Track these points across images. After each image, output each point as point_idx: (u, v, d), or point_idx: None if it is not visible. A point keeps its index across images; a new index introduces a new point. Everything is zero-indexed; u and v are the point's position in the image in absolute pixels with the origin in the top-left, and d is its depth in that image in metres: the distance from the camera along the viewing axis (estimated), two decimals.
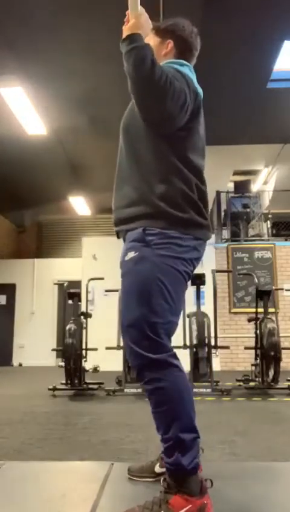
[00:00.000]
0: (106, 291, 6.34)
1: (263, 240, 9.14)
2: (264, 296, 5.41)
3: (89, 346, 5.36)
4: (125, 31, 1.41)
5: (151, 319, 1.36)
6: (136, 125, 1.48)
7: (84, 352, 5.21)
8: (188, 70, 1.56)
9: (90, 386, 5.15)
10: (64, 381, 5.01)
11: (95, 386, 5.16)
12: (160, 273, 1.39)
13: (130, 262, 1.43)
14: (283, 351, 5.02)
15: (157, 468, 1.66)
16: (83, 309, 5.62)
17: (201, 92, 1.61)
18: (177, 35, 1.64)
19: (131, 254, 1.43)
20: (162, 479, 1.37)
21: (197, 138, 1.52)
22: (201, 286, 5.47)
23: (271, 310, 5.67)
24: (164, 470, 1.63)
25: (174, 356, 1.39)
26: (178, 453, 1.31)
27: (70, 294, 5.38)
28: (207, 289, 5.78)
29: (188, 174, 1.46)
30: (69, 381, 4.97)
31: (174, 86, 1.32)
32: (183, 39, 1.64)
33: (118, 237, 1.59)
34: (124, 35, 1.40)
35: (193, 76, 1.57)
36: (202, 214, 1.49)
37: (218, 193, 9.44)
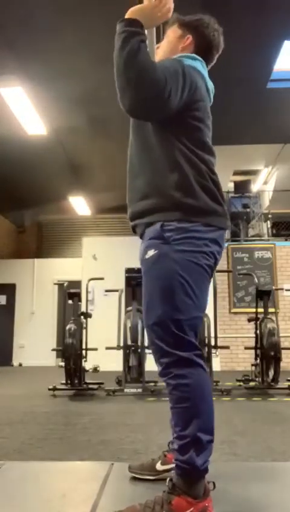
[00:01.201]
0: (106, 291, 6.35)
1: (263, 240, 9.14)
2: (264, 296, 5.41)
3: (89, 346, 5.36)
4: (127, 14, 1.38)
5: (175, 316, 1.35)
6: (142, 122, 1.48)
7: (84, 352, 5.21)
8: (200, 64, 1.54)
9: (90, 386, 5.16)
10: (64, 381, 5.01)
11: (95, 386, 5.16)
12: (181, 269, 1.37)
13: (150, 261, 1.42)
14: (283, 351, 5.02)
15: (159, 466, 1.66)
16: (83, 309, 5.62)
17: (211, 87, 1.59)
18: (199, 31, 1.61)
19: (151, 252, 1.41)
20: (168, 479, 1.35)
21: (200, 132, 1.48)
22: None
23: (271, 310, 5.67)
24: (166, 467, 1.63)
25: (200, 356, 1.38)
26: (193, 452, 1.30)
27: (70, 294, 5.38)
28: None
29: (199, 162, 1.44)
30: (69, 381, 4.97)
31: (155, 73, 1.29)
32: (204, 36, 1.62)
33: (135, 232, 1.57)
34: (126, 15, 1.38)
35: (204, 72, 1.54)
36: (217, 200, 1.46)
37: None
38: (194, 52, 1.59)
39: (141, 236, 1.52)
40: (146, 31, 1.38)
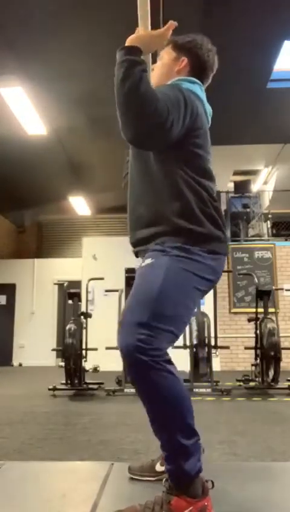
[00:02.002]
0: (106, 291, 6.35)
1: (263, 239, 9.14)
2: (264, 296, 5.41)
3: (89, 346, 5.36)
4: (127, 41, 1.39)
5: (152, 323, 1.32)
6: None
7: (84, 352, 5.21)
8: (198, 88, 1.54)
9: (90, 386, 5.16)
10: (64, 381, 5.01)
11: (95, 386, 5.16)
12: (172, 282, 1.36)
13: (144, 267, 1.42)
14: (283, 351, 5.02)
15: (158, 467, 1.66)
16: (83, 309, 5.62)
17: (209, 110, 1.59)
18: (193, 53, 1.61)
19: (148, 261, 1.42)
20: (164, 479, 1.36)
21: (200, 158, 1.48)
22: None
23: (271, 310, 5.67)
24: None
25: (168, 361, 1.33)
26: (180, 460, 1.29)
27: (70, 294, 5.38)
28: None
29: (200, 189, 1.45)
30: (69, 381, 4.97)
31: (157, 105, 1.28)
32: (199, 58, 1.61)
33: (137, 257, 1.57)
34: (125, 44, 1.38)
35: (202, 95, 1.54)
36: (219, 226, 1.47)
37: (218, 193, 9.40)
38: (189, 74, 1.59)
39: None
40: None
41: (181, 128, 1.37)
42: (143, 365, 1.28)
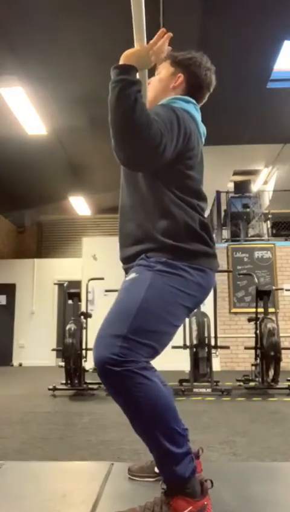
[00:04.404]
0: (106, 291, 6.34)
1: (263, 240, 9.14)
2: (264, 296, 5.41)
3: (89, 346, 5.35)
4: (122, 58, 1.36)
5: (129, 335, 1.28)
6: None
7: (84, 352, 5.21)
8: (193, 107, 1.52)
9: (90, 386, 5.15)
10: (64, 381, 5.01)
11: (95, 386, 5.16)
12: (154, 296, 1.34)
13: (128, 281, 1.41)
14: (283, 351, 5.02)
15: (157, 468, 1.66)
16: (83, 309, 5.62)
17: (203, 130, 1.58)
18: (191, 70, 1.59)
19: (132, 275, 1.41)
20: (161, 480, 1.36)
21: (191, 179, 1.48)
22: None
23: (271, 310, 5.67)
24: None
25: (145, 368, 1.29)
26: (171, 466, 1.29)
27: (70, 294, 5.38)
28: None
29: (189, 209, 1.45)
30: (69, 381, 4.97)
31: (151, 128, 1.27)
32: (196, 76, 1.59)
33: (126, 273, 1.54)
34: (119, 62, 1.36)
35: (197, 115, 1.53)
36: (207, 244, 1.46)
37: (218, 193, 9.44)
38: (185, 91, 1.58)
39: None
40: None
41: (174, 150, 1.36)
42: (116, 376, 1.25)
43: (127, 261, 1.52)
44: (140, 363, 1.27)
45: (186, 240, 1.42)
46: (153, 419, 1.28)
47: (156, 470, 1.65)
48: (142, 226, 1.46)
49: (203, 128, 1.59)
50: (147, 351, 1.30)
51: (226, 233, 9.57)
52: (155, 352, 1.34)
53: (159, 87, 1.61)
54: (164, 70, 1.63)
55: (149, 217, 1.45)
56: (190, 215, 1.44)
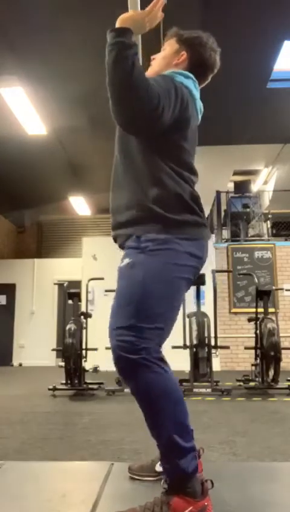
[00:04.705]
0: (106, 291, 6.33)
1: (263, 240, 9.14)
2: (264, 296, 5.41)
3: (89, 346, 5.36)
4: (118, 22, 1.38)
5: (137, 324, 1.33)
6: (127, 137, 1.49)
7: (84, 352, 5.21)
8: (192, 83, 1.53)
9: (90, 386, 5.15)
10: (64, 381, 5.01)
11: (95, 386, 5.16)
12: (151, 279, 1.37)
13: (124, 268, 1.43)
14: (283, 351, 5.02)
15: (158, 467, 1.66)
16: (83, 309, 5.62)
17: (200, 106, 1.59)
18: (195, 49, 1.60)
19: (126, 260, 1.44)
20: (162, 480, 1.36)
21: (184, 151, 1.49)
22: (201, 286, 5.47)
23: (271, 310, 5.67)
24: None
25: (160, 359, 1.35)
26: (175, 458, 1.30)
27: (70, 294, 5.38)
28: (207, 289, 5.77)
29: (180, 180, 1.46)
30: (69, 381, 4.97)
31: (149, 90, 1.28)
32: (199, 55, 1.60)
33: (115, 241, 1.59)
34: (116, 25, 1.37)
35: (195, 91, 1.54)
36: (197, 214, 1.47)
37: (218, 193, 9.44)
38: (187, 69, 1.58)
39: (121, 247, 1.54)
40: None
41: (171, 116, 1.38)
42: (133, 364, 1.31)
43: (117, 227, 1.54)
44: (154, 351, 1.33)
45: (176, 211, 1.43)
46: (166, 409, 1.32)
47: (157, 469, 1.66)
48: (133, 193, 1.47)
49: (200, 105, 1.60)
50: (157, 334, 1.36)
51: (226, 233, 9.57)
52: (165, 332, 1.39)
53: (162, 63, 1.63)
54: (169, 47, 1.64)
55: (141, 186, 1.46)
56: (181, 186, 1.46)
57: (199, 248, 1.47)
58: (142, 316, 1.34)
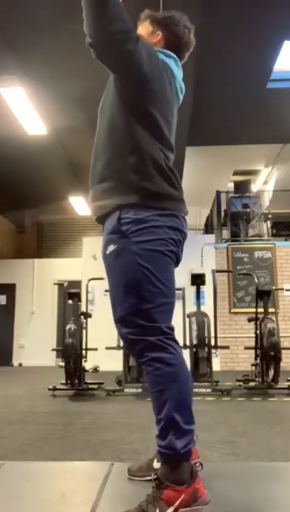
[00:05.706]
0: (106, 291, 6.31)
1: (263, 239, 9.14)
2: (264, 296, 5.41)
3: (89, 346, 5.36)
4: None
5: (142, 307, 1.39)
6: (108, 104, 1.53)
7: (84, 352, 5.20)
8: (173, 62, 1.57)
9: (90, 386, 5.15)
10: (64, 381, 5.01)
11: (95, 386, 5.16)
12: (142, 260, 1.40)
13: (111, 256, 1.45)
14: (283, 351, 5.02)
15: (156, 464, 1.66)
16: (83, 309, 5.62)
17: (181, 86, 1.62)
18: (169, 29, 1.63)
19: (111, 247, 1.45)
20: (153, 476, 1.37)
21: (159, 123, 1.51)
22: (201, 286, 5.47)
23: (271, 310, 5.67)
24: None
25: (172, 339, 1.41)
26: (172, 435, 1.32)
27: (70, 294, 5.38)
28: (207, 289, 5.77)
29: (158, 150, 1.48)
30: (69, 381, 4.96)
31: (120, 14, 1.32)
32: (174, 34, 1.63)
33: (95, 219, 1.60)
34: None
35: (175, 70, 1.57)
36: (173, 185, 1.48)
37: (218, 193, 9.45)
38: (164, 49, 1.61)
39: (98, 221, 1.57)
40: None
41: (147, 64, 1.41)
42: (148, 345, 1.37)
43: (95, 199, 1.55)
44: (166, 333, 1.40)
45: (152, 179, 1.44)
46: (172, 387, 1.35)
47: (155, 465, 1.66)
48: (111, 163, 1.49)
49: (181, 84, 1.62)
50: (163, 311, 1.41)
51: (226, 233, 9.57)
52: (169, 305, 1.44)
53: None
54: (144, 29, 1.66)
55: (118, 154, 1.48)
56: (158, 156, 1.47)
57: (179, 223, 1.49)
58: (146, 298, 1.39)
